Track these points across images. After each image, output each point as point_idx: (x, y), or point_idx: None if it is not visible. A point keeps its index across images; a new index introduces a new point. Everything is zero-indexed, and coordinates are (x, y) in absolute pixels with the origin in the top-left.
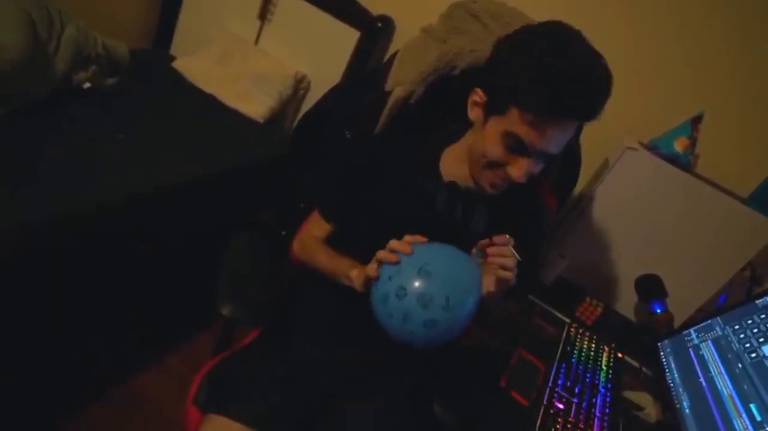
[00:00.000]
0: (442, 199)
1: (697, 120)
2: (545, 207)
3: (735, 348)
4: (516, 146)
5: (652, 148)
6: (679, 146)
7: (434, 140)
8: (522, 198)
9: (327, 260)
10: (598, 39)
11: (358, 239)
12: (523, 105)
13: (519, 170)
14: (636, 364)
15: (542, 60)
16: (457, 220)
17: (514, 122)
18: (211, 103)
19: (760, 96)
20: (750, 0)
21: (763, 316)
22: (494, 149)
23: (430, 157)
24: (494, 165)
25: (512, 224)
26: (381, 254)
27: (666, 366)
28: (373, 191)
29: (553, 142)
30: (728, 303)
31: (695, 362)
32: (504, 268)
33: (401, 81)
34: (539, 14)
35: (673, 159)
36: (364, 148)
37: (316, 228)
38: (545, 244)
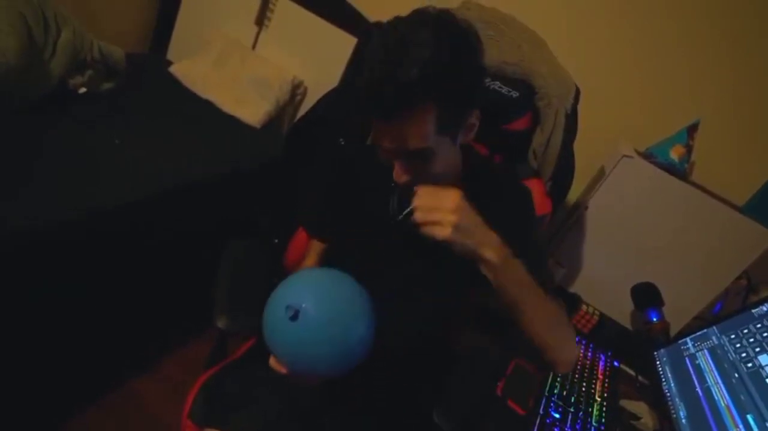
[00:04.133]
0: (394, 203)
1: (693, 128)
2: (532, 217)
3: (731, 358)
4: (382, 150)
5: (648, 156)
6: (675, 154)
7: None
8: (503, 209)
9: None
10: (596, 50)
11: (340, 249)
12: None
13: (396, 172)
14: (632, 373)
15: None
16: (406, 228)
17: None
18: (207, 108)
19: (756, 104)
20: (747, 12)
21: (759, 325)
22: (379, 153)
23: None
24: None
25: None
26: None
27: (662, 376)
28: (350, 201)
29: (397, 140)
30: (724, 312)
31: (692, 371)
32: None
33: None
34: (536, 23)
35: (669, 167)
36: (343, 158)
37: (311, 249)
38: (542, 253)
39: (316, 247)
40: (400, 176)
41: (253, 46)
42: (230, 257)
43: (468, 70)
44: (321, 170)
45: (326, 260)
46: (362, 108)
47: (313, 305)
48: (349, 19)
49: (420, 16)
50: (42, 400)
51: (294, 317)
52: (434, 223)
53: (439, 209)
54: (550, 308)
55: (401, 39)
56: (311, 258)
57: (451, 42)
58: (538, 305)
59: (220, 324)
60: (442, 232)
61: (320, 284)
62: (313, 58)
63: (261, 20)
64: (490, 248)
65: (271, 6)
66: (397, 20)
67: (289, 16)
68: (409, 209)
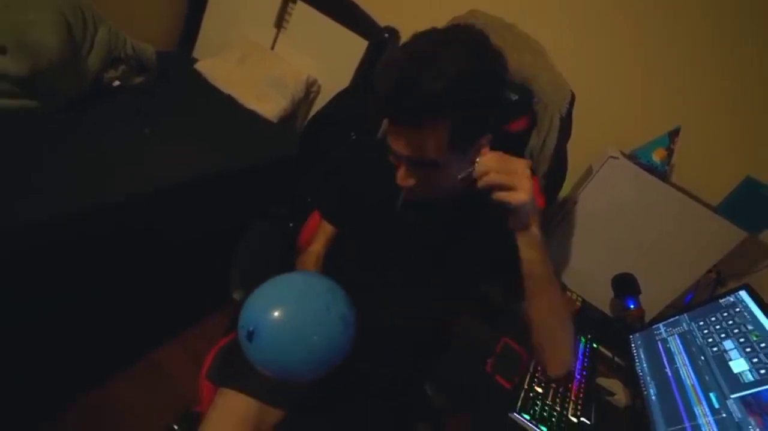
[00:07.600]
0: (399, 203)
1: (674, 134)
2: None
3: (699, 342)
4: (391, 151)
5: (633, 157)
6: (657, 156)
7: None
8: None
9: None
10: (588, 60)
11: (351, 234)
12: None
13: (400, 175)
14: (609, 354)
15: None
16: (409, 224)
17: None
18: (229, 102)
19: (731, 114)
20: (728, 26)
21: (725, 314)
22: (389, 156)
23: None
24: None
25: (480, 242)
26: None
27: (636, 357)
28: (363, 188)
29: (408, 146)
30: (695, 302)
31: (663, 354)
32: (498, 188)
33: None
34: (536, 33)
35: (651, 168)
36: (359, 148)
37: (320, 231)
38: None
39: (326, 231)
40: (404, 179)
41: (272, 47)
42: (247, 238)
43: (490, 94)
44: (337, 157)
45: (335, 246)
46: (381, 109)
47: (269, 325)
48: (361, 23)
49: (455, 31)
50: (72, 367)
51: (250, 337)
52: (510, 187)
53: (516, 173)
54: (562, 301)
55: (433, 49)
56: (319, 241)
57: (480, 64)
58: (554, 294)
59: (237, 295)
60: (519, 197)
61: (282, 298)
62: (327, 59)
63: (280, 23)
64: (538, 220)
65: (289, 10)
66: (432, 31)
67: (306, 19)
68: (471, 170)
